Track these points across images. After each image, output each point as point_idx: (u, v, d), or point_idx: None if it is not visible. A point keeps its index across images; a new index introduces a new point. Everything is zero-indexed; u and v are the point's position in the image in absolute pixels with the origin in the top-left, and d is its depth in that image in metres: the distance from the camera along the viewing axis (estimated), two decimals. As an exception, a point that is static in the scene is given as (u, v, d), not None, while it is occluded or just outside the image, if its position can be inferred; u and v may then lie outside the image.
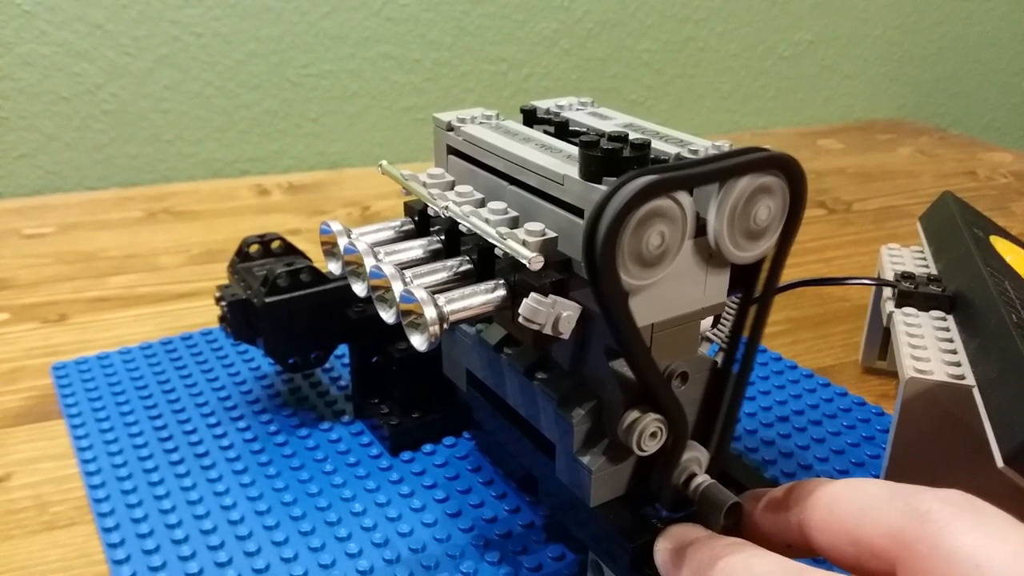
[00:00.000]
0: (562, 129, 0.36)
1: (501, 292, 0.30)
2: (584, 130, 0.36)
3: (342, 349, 0.52)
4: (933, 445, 0.38)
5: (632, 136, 0.30)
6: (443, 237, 0.34)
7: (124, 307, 0.62)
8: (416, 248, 0.34)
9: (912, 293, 0.43)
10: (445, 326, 0.29)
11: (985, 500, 0.25)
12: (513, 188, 0.33)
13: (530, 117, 0.38)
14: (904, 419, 0.38)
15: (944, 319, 0.42)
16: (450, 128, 0.37)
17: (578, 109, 0.39)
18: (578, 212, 0.30)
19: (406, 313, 0.29)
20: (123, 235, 0.76)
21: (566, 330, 0.29)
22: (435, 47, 0.95)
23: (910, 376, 0.37)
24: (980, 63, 1.24)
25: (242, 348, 0.55)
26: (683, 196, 0.29)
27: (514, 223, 0.32)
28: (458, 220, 0.32)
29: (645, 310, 0.30)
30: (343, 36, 0.92)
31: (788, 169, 0.31)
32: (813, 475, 0.44)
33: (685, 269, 0.31)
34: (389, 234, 0.36)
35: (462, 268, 0.32)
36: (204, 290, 0.65)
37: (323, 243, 0.35)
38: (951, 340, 0.40)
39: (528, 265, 0.28)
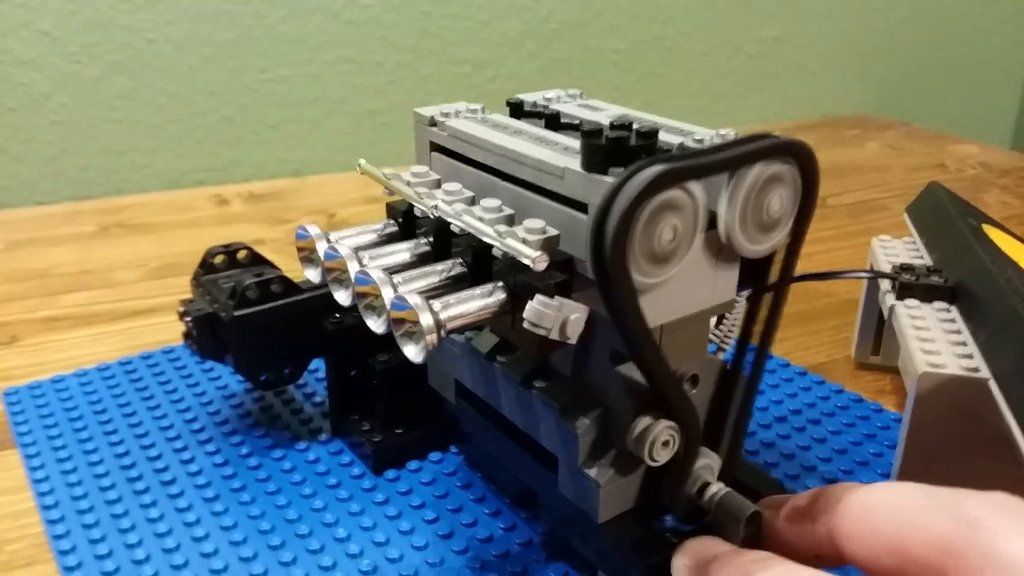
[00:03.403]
0: (553, 121, 0.34)
1: (500, 295, 0.28)
2: (577, 122, 0.34)
3: (316, 363, 0.49)
4: (947, 441, 0.36)
5: (636, 124, 0.28)
6: (431, 239, 0.31)
7: (79, 326, 0.59)
8: (402, 251, 0.31)
9: (913, 285, 0.42)
10: (442, 334, 0.26)
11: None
12: (506, 184, 0.31)
13: (517, 110, 0.36)
14: (917, 415, 0.36)
15: (948, 310, 0.41)
16: (433, 123, 0.34)
17: (566, 101, 0.37)
18: (581, 207, 0.28)
19: (398, 322, 0.27)
20: (76, 250, 0.72)
21: (574, 334, 0.27)
22: (397, 49, 0.93)
23: (923, 371, 0.35)
24: (942, 58, 1.25)
25: (208, 366, 0.52)
26: (695, 187, 0.27)
27: (510, 221, 0.30)
28: (449, 220, 0.30)
29: (654, 310, 0.28)
30: (302, 40, 0.89)
31: (800, 156, 0.29)
32: (818, 477, 0.42)
33: (695, 265, 0.29)
34: (371, 237, 0.33)
35: (454, 271, 0.30)
36: (164, 306, 0.61)
37: (300, 249, 0.32)
38: (958, 332, 0.39)
39: (532, 265, 0.26)
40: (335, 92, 0.92)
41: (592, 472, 0.31)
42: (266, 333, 0.43)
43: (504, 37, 0.97)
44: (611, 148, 0.26)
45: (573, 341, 0.27)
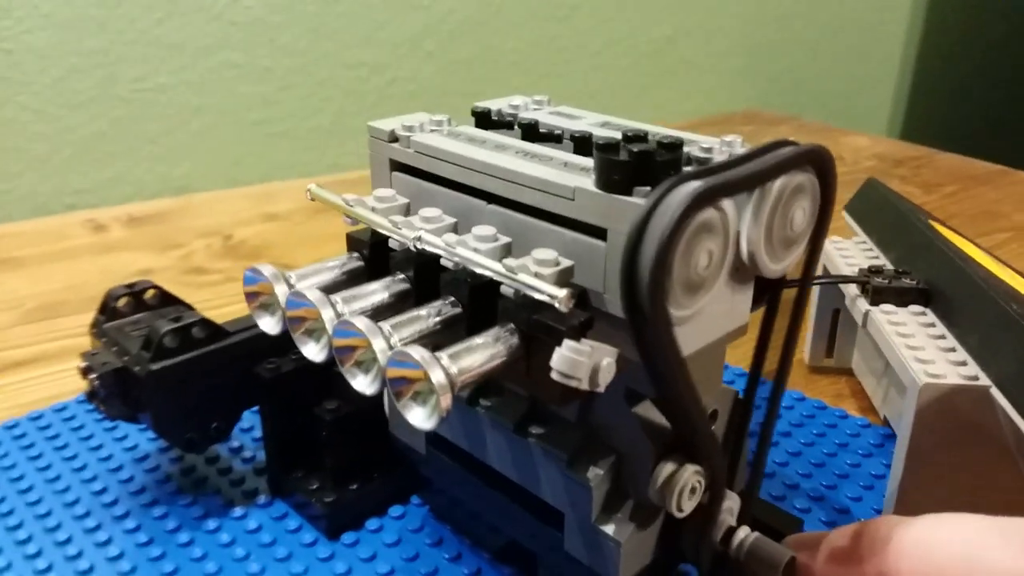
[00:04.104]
0: (531, 132, 0.30)
1: (512, 341, 0.24)
2: (559, 132, 0.30)
3: (245, 415, 0.43)
4: (948, 453, 0.35)
5: (652, 135, 0.25)
6: (411, 275, 0.27)
7: (-56, 385, 0.50)
8: (378, 292, 0.26)
9: (884, 288, 0.41)
10: (455, 392, 0.22)
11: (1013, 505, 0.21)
12: (494, 208, 0.27)
13: (484, 120, 0.31)
14: (919, 429, 0.34)
15: (924, 313, 0.39)
16: (394, 138, 0.30)
17: (535, 108, 0.33)
18: (597, 232, 0.24)
19: (398, 381, 0.22)
20: (-71, 293, 0.62)
21: (604, 382, 0.23)
22: (287, 53, 0.86)
23: (925, 382, 0.34)
24: (823, 52, 1.28)
25: (110, 424, 0.45)
26: (728, 205, 0.23)
27: (506, 251, 0.26)
28: (436, 253, 0.25)
29: (681, 343, 0.25)
30: (180, 44, 0.81)
31: (821, 163, 0.26)
32: (803, 495, 0.40)
33: (718, 290, 0.26)
34: (332, 275, 0.28)
35: (446, 314, 0.25)
36: (47, 354, 0.53)
37: (249, 295, 0.27)
38: (943, 337, 0.37)
39: (558, 305, 0.22)
40: (220, 101, 0.85)
41: (609, 529, 0.27)
42: (190, 386, 0.37)
43: (402, 38, 0.92)
44: (637, 164, 0.23)
45: (602, 389, 0.23)
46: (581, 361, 0.22)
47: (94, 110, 0.79)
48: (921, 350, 0.36)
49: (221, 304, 0.60)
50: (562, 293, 0.22)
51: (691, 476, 0.26)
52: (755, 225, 0.25)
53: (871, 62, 1.34)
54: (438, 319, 0.25)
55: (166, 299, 0.41)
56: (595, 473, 0.27)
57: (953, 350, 0.36)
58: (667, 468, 0.26)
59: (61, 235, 0.73)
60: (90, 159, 0.80)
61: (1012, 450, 0.34)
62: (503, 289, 0.24)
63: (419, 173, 0.29)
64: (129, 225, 0.76)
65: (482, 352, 0.23)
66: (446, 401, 0.21)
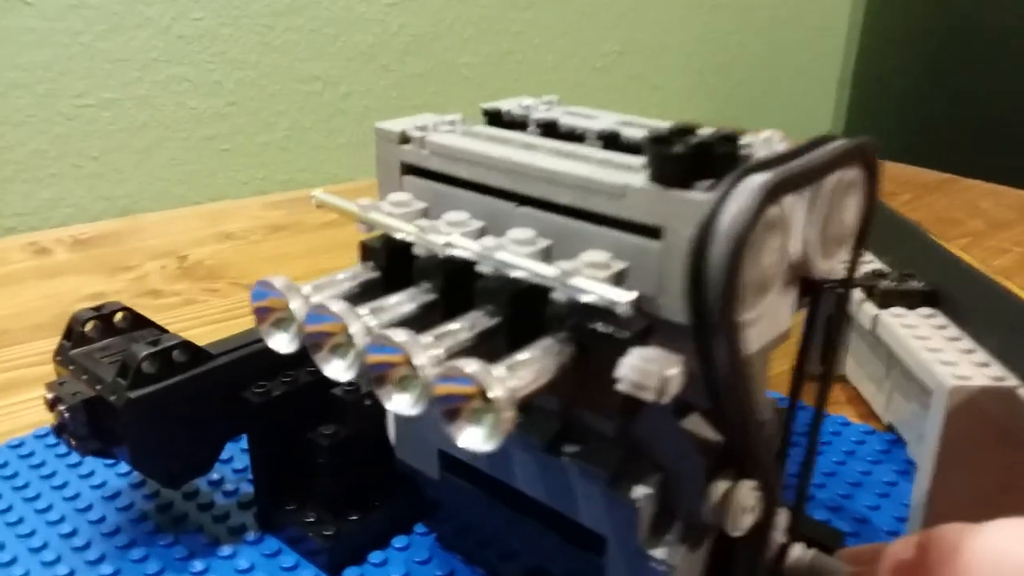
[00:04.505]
0: (551, 131, 0.28)
1: (567, 351, 0.22)
2: (579, 131, 0.28)
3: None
4: (978, 456, 0.34)
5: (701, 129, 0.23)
6: (440, 284, 0.24)
7: None
8: (404, 303, 0.24)
9: (892, 291, 0.40)
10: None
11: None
12: (527, 211, 0.25)
13: (496, 121, 0.29)
14: (948, 432, 0.33)
15: (934, 316, 0.39)
16: (406, 140, 0.28)
17: (546, 109, 0.32)
18: (649, 232, 0.22)
19: (448, 399, 0.20)
20: None
21: (673, 392, 0.21)
22: (237, 66, 0.83)
23: (953, 385, 0.33)
24: (770, 68, 1.30)
25: (72, 459, 0.41)
26: (789, 201, 0.22)
27: (546, 256, 0.24)
28: (472, 259, 0.23)
29: (738, 350, 0.23)
30: (126, 58, 0.77)
31: (870, 159, 0.25)
32: (821, 507, 0.39)
33: (775, 292, 0.24)
34: (347, 288, 0.26)
35: (483, 325, 0.23)
36: (-5, 386, 0.49)
37: (260, 311, 0.24)
38: (959, 339, 0.37)
39: (620, 311, 0.20)
40: (168, 116, 0.81)
41: (659, 553, 0.25)
42: (172, 415, 0.34)
43: (355, 51, 0.89)
44: (695, 157, 0.21)
45: (668, 400, 0.21)
46: (652, 370, 0.20)
47: (34, 127, 0.74)
48: (941, 352, 0.35)
49: (182, 328, 0.57)
50: (627, 297, 0.20)
51: (748, 492, 0.25)
52: (810, 222, 0.24)
53: (810, 77, 1.37)
54: (476, 331, 0.23)
55: (137, 321, 0.38)
56: (641, 492, 0.25)
57: (972, 352, 0.35)
58: (721, 485, 0.25)
59: (1, 260, 0.68)
60: (29, 179, 0.75)
61: (1039, 450, 0.33)
62: (557, 296, 0.22)
63: (435, 176, 0.27)
64: (74, 248, 0.71)
65: (538, 364, 0.21)
66: (508, 418, 0.19)
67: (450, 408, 0.20)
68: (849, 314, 0.43)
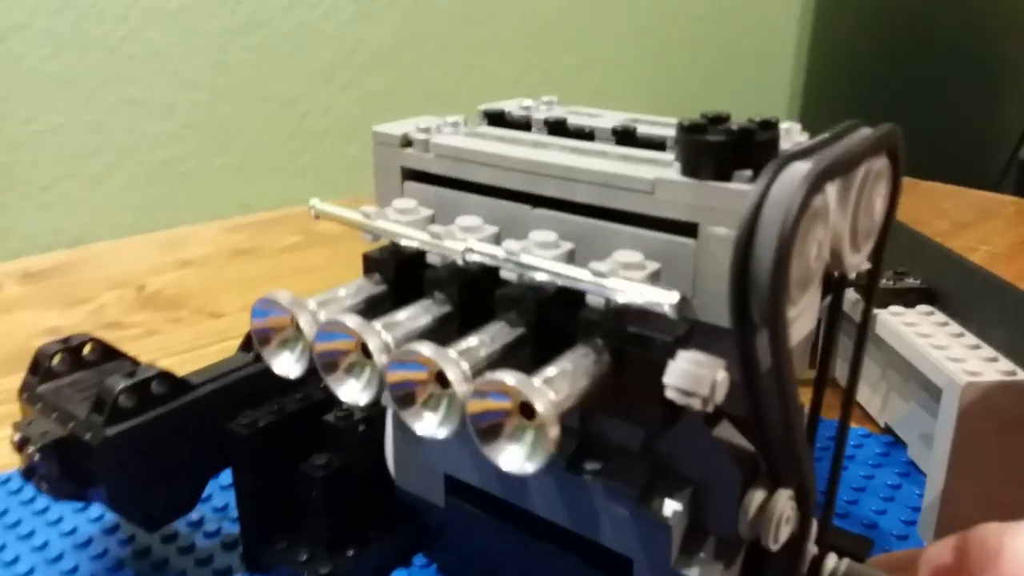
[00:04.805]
0: (559, 130, 0.27)
1: (604, 358, 0.20)
2: (588, 129, 0.27)
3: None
4: (992, 453, 0.33)
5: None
6: (456, 294, 0.23)
7: None
8: (418, 317, 0.22)
9: (888, 290, 0.39)
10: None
11: None
12: (544, 212, 0.23)
13: (499, 121, 0.28)
14: (962, 431, 0.33)
15: (933, 313, 0.38)
16: (408, 143, 0.26)
17: (548, 109, 0.30)
18: (683, 229, 0.21)
19: (484, 416, 0.18)
20: None
21: (721, 398, 0.20)
22: (191, 87, 0.80)
23: (967, 381, 0.32)
24: (720, 81, 1.32)
25: (38, 504, 0.38)
26: (831, 191, 0.21)
27: (570, 259, 0.22)
28: (494, 266, 0.22)
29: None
30: (75, 81, 0.74)
31: (895, 149, 0.24)
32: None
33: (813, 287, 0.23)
34: (353, 303, 0.24)
35: (509, 336, 0.21)
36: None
37: (260, 331, 0.22)
38: (962, 335, 0.36)
39: (668, 312, 0.19)
40: (120, 141, 0.78)
41: (693, 572, 0.24)
42: (152, 452, 0.31)
43: (312, 69, 0.87)
44: (736, 145, 0.20)
45: (711, 409, 0.20)
46: (703, 375, 0.19)
47: (-23, 155, 0.71)
48: (948, 349, 0.35)
49: (148, 360, 0.54)
50: (673, 298, 0.19)
51: (786, 503, 0.23)
52: (842, 213, 0.23)
53: (767, 90, 1.39)
54: (501, 343, 0.21)
55: (108, 353, 0.35)
56: (672, 508, 0.24)
57: (978, 347, 0.35)
58: (758, 496, 0.23)
59: (-55, 296, 0.64)
60: (-27, 210, 0.72)
61: (1054, 445, 0.33)
62: (592, 300, 0.21)
63: (441, 180, 0.25)
64: (25, 281, 0.68)
65: (575, 374, 0.19)
66: (554, 435, 0.18)
67: (487, 426, 0.18)
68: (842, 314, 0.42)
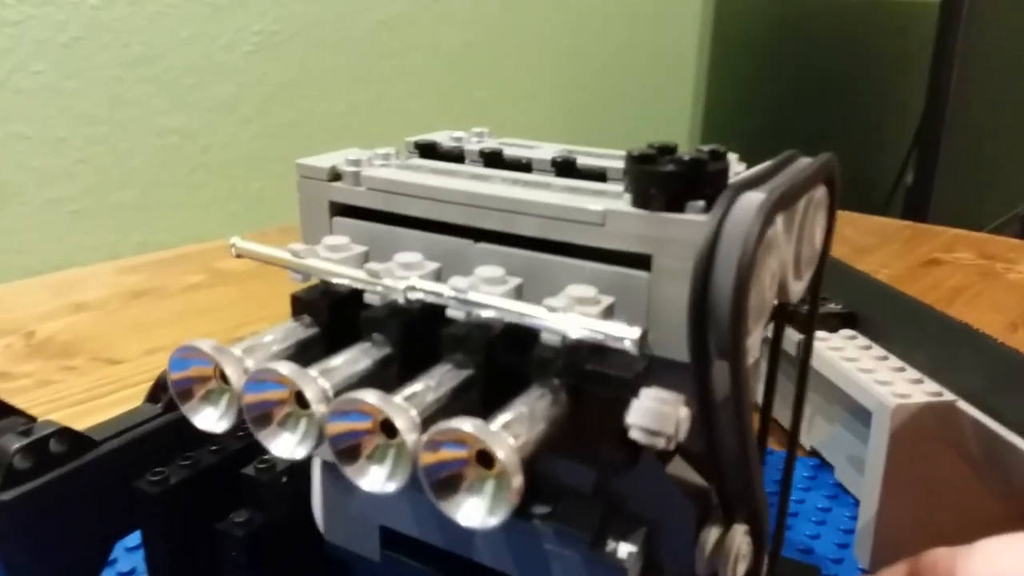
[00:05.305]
0: (495, 161, 0.26)
1: (561, 399, 0.19)
2: (525, 160, 0.26)
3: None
4: (922, 474, 0.33)
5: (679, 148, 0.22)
6: (396, 335, 0.21)
7: None
8: (357, 361, 0.21)
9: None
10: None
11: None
12: (486, 247, 0.22)
13: (430, 153, 0.27)
14: (894, 452, 0.33)
15: (855, 337, 0.39)
16: (336, 177, 0.25)
17: (479, 141, 0.29)
18: (635, 262, 0.20)
19: (438, 467, 0.17)
20: None
21: (683, 437, 0.19)
22: (85, 121, 0.76)
23: (896, 404, 0.32)
24: (626, 111, 1.34)
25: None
26: (778, 221, 0.21)
27: (519, 294, 0.21)
28: (440, 304, 0.20)
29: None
30: (-47, 114, 0.69)
31: (832, 177, 0.24)
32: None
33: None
34: (281, 348, 0.22)
35: (456, 379, 0.20)
36: None
37: (181, 382, 0.20)
38: (886, 358, 0.37)
39: (630, 348, 0.18)
40: (6, 178, 0.73)
41: (651, 618, 0.23)
42: (52, 517, 0.28)
43: (215, 102, 0.84)
44: (688, 175, 0.19)
45: (672, 447, 0.19)
46: (668, 413, 0.18)
47: None
48: (874, 372, 0.35)
49: (40, 413, 0.49)
50: (635, 333, 0.18)
51: (742, 537, 0.23)
52: (787, 242, 0.22)
53: (669, 124, 1.43)
54: (450, 385, 0.20)
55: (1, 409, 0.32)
56: (627, 551, 0.23)
57: (903, 369, 0.35)
58: (713, 533, 0.23)
59: None
60: None
61: (979, 462, 0.34)
62: (547, 338, 0.20)
63: (373, 215, 0.24)
64: None
65: (535, 417, 0.18)
66: (518, 484, 0.16)
67: (442, 479, 0.17)
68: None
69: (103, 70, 0.76)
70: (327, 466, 0.28)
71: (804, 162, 0.23)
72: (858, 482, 0.39)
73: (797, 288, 0.24)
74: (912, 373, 0.35)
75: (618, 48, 1.29)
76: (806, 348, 0.26)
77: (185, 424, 0.33)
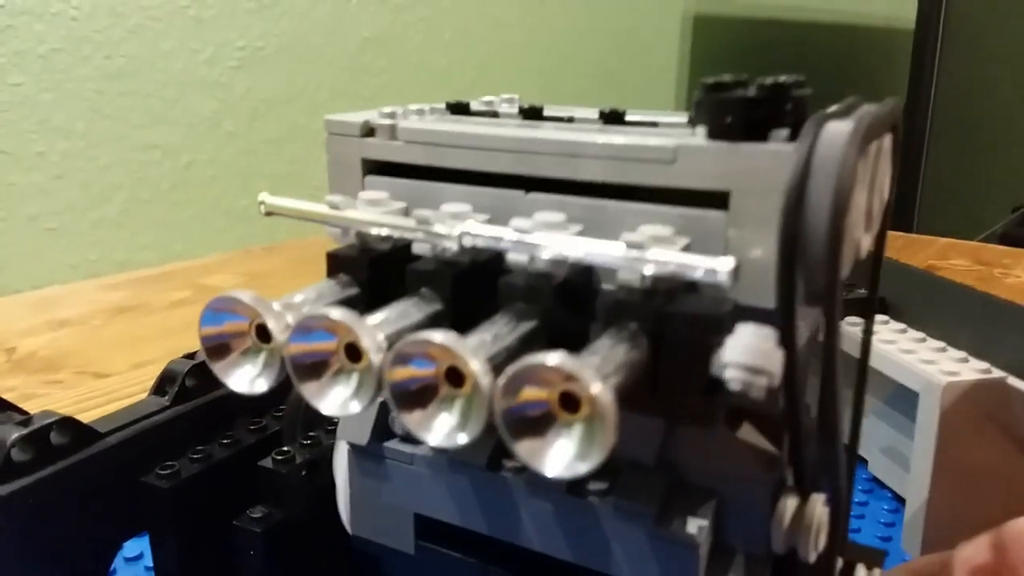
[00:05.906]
0: (535, 116, 0.24)
1: (641, 344, 0.17)
2: (566, 116, 0.24)
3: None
4: (974, 452, 0.32)
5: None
6: (448, 288, 0.20)
7: None
8: (409, 314, 0.19)
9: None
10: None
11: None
12: (539, 196, 0.21)
13: (463, 112, 0.25)
14: (944, 436, 0.32)
15: (888, 322, 0.38)
16: (370, 132, 0.23)
17: (509, 106, 0.28)
18: (712, 200, 0.19)
19: (523, 407, 0.15)
20: None
21: (778, 383, 0.17)
22: (64, 136, 0.74)
23: (946, 382, 0.31)
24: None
25: None
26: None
27: (582, 240, 0.20)
28: (498, 249, 0.19)
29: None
30: (-73, 126, 0.66)
31: (899, 125, 0.23)
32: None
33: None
34: (325, 305, 0.20)
35: (520, 329, 0.18)
36: None
37: (215, 338, 0.18)
38: (924, 339, 0.35)
39: (724, 281, 0.16)
40: (-19, 193, 0.70)
41: (724, 597, 0.21)
42: (53, 514, 0.26)
43: (197, 117, 0.82)
44: (772, 101, 0.18)
45: (775, 386, 0.17)
46: (770, 349, 0.16)
47: None
48: (916, 353, 0.34)
49: (23, 426, 0.47)
50: (729, 264, 0.16)
51: (821, 508, 0.21)
52: (862, 189, 0.21)
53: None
54: (516, 335, 0.18)
55: (-8, 405, 0.30)
56: (698, 526, 0.21)
57: (944, 349, 0.34)
58: (791, 503, 0.21)
59: None
60: None
61: (1029, 441, 0.32)
62: (624, 276, 0.18)
63: (411, 171, 0.22)
64: None
65: (618, 362, 0.16)
66: (613, 426, 0.15)
67: (525, 421, 0.15)
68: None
69: (83, 83, 0.74)
70: (356, 452, 0.26)
71: (877, 104, 0.22)
72: (895, 474, 0.38)
73: (865, 243, 0.23)
74: (955, 353, 0.34)
75: (600, 75, 1.30)
76: (867, 316, 0.25)
77: (195, 416, 0.31)
